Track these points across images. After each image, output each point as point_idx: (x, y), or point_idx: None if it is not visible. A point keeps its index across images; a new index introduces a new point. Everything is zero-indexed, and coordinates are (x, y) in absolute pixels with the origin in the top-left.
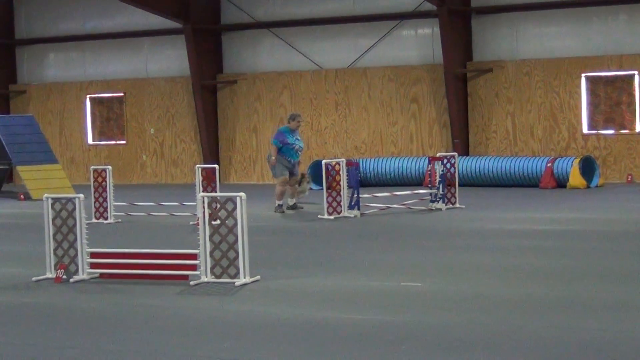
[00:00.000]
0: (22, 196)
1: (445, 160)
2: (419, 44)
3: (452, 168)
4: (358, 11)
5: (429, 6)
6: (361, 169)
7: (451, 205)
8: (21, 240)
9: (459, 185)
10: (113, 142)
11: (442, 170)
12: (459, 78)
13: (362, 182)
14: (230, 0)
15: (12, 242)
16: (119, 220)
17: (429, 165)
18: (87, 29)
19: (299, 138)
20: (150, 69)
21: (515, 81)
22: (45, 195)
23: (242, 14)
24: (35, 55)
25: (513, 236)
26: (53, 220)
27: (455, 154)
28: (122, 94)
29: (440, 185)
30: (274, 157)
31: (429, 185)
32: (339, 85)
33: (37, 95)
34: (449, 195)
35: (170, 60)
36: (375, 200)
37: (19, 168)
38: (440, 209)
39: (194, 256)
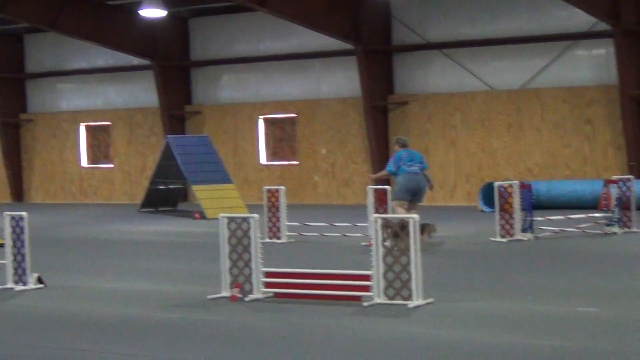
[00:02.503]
0: (197, 215)
1: (621, 183)
2: (593, 64)
3: (628, 191)
4: (530, 31)
5: (603, 26)
6: (534, 191)
7: (627, 229)
8: (197, 259)
9: (636, 208)
10: (286, 163)
11: (618, 193)
12: (635, 99)
13: (534, 204)
14: (401, 21)
15: (188, 261)
16: (292, 240)
17: (604, 188)
18: (261, 50)
19: None
20: (322, 90)
21: None
22: (221, 214)
23: (413, 35)
24: (210, 77)
25: None
26: (228, 239)
27: (632, 176)
28: (294, 115)
29: (616, 208)
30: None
31: (605, 209)
32: (510, 107)
33: (212, 116)
34: (625, 218)
35: (341, 81)
36: (548, 223)
37: (194, 187)
38: (615, 233)
39: (367, 277)
